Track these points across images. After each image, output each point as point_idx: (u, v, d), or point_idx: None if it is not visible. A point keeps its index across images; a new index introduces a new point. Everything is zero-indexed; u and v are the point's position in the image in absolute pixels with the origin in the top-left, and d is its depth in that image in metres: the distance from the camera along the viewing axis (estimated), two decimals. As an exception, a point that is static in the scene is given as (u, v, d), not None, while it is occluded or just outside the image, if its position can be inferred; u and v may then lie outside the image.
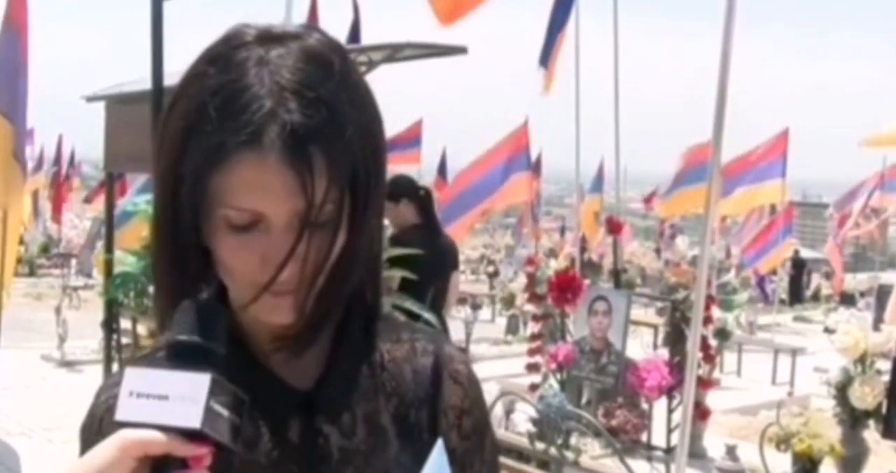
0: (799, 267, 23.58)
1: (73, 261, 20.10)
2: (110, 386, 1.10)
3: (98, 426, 1.09)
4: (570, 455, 4.37)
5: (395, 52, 5.87)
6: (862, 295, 22.44)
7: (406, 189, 6.41)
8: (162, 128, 1.05)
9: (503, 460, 5.27)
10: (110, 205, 7.59)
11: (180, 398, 0.89)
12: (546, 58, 7.96)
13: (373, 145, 1.05)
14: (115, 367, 7.18)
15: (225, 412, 0.91)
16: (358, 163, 1.02)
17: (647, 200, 23.32)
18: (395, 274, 5.28)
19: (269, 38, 1.03)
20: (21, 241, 24.55)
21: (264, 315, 1.05)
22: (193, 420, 0.88)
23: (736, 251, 19.29)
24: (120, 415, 0.90)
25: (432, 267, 6.06)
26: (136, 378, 0.91)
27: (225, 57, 1.02)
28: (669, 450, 6.10)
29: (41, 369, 10.49)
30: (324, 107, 0.99)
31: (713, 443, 6.57)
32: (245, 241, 1.00)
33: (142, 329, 7.31)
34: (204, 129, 0.98)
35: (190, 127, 1.00)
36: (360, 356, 1.16)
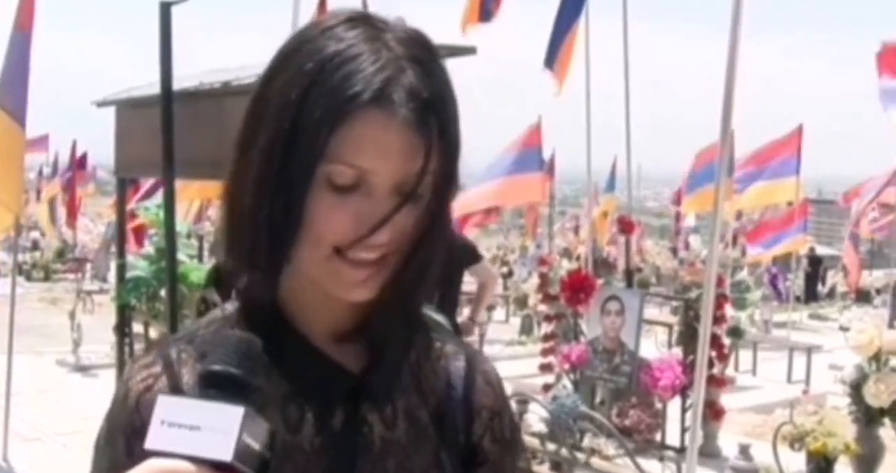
0: (815, 265, 23.49)
1: (88, 266, 20.17)
2: (147, 366, 1.10)
3: (135, 404, 1.07)
4: (581, 456, 4.35)
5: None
6: (878, 292, 22.33)
7: None
8: (257, 100, 1.06)
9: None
10: (122, 211, 7.60)
11: (212, 429, 0.88)
12: (552, 59, 7.93)
13: (460, 134, 1.07)
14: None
15: (256, 445, 0.89)
16: (460, 144, 1.06)
17: (676, 201, 23.12)
18: (491, 269, 5.22)
19: (361, 19, 1.05)
20: (36, 246, 24.70)
21: (339, 287, 1.06)
22: (224, 453, 0.87)
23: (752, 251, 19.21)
24: (150, 444, 0.89)
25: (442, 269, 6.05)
26: (169, 406, 0.90)
27: (326, 33, 1.03)
28: (683, 450, 6.08)
29: (56, 374, 10.53)
30: (436, 81, 1.03)
31: (728, 442, 6.54)
32: (344, 201, 1.01)
33: (154, 332, 7.33)
34: (325, 88, 0.99)
35: (308, 87, 1.00)
36: (402, 350, 1.17)
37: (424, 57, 1.04)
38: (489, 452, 1.20)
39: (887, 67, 5.97)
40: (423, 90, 1.01)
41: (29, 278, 19.27)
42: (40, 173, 24.09)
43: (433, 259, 1.09)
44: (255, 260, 1.07)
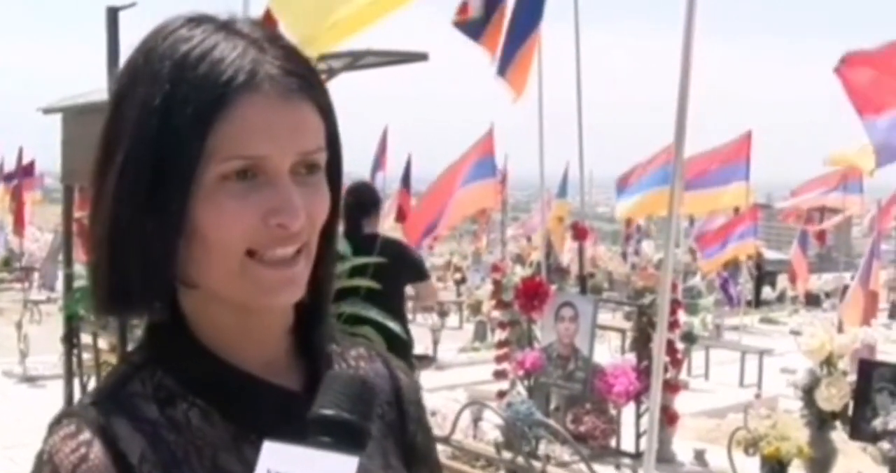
0: (762, 269, 23.72)
1: (36, 275, 19.87)
2: (72, 435, 0.96)
3: None
4: (537, 464, 4.34)
5: (356, 60, 5.81)
6: (827, 295, 22.60)
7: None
8: (111, 123, 0.98)
9: (471, 469, 5.24)
10: (68, 218, 7.47)
11: None
12: (504, 67, 7.91)
13: (336, 119, 1.03)
14: (75, 382, 7.07)
15: None
16: (336, 124, 1.02)
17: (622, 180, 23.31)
18: (433, 284, 5.17)
19: (201, 18, 1.00)
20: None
21: (263, 294, 0.97)
22: None
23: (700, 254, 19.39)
24: None
25: (395, 275, 6.00)
26: (275, 454, 0.83)
27: (170, 37, 0.97)
28: (638, 455, 6.09)
29: (2, 385, 10.35)
30: (298, 57, 0.99)
31: (682, 447, 6.57)
32: (245, 197, 0.94)
33: (103, 343, 7.20)
34: (190, 84, 0.93)
35: (169, 90, 0.93)
36: (329, 358, 1.10)
37: (278, 36, 1.00)
38: (422, 446, 1.17)
39: (859, 96, 5.77)
40: (291, 66, 0.97)
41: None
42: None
43: (334, 249, 1.05)
44: (145, 296, 0.99)
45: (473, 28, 7.75)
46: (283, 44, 0.99)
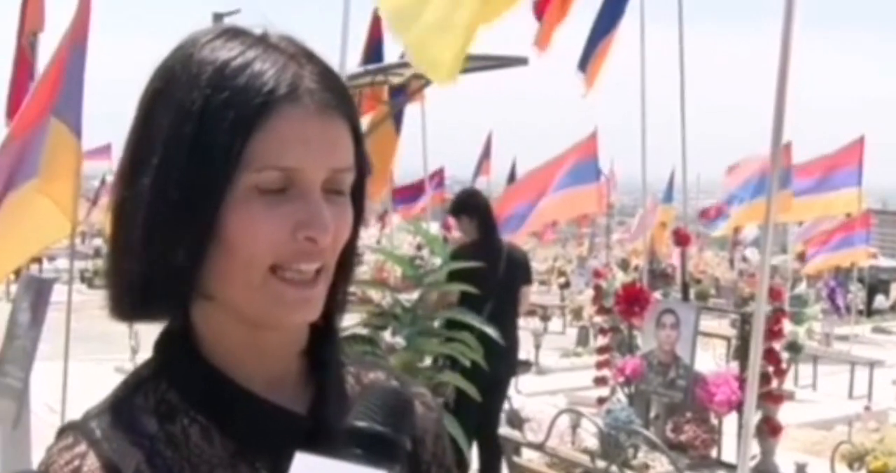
0: (877, 277, 23.04)
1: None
2: (68, 448, 0.97)
3: None
4: (630, 473, 4.30)
5: (456, 65, 5.83)
6: (945, 305, 21.86)
7: (466, 204, 6.38)
8: (141, 125, 0.98)
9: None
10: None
11: None
12: (585, 62, 7.88)
13: (364, 140, 1.03)
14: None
15: None
16: (364, 146, 1.02)
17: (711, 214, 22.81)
18: (454, 288, 5.23)
19: (236, 30, 1.00)
20: (98, 254, 25.08)
21: (282, 311, 0.97)
22: None
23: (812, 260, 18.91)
24: None
25: (493, 281, 6.02)
26: (306, 467, 0.82)
27: (208, 46, 0.97)
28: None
29: (114, 381, 10.49)
30: (334, 75, 1.00)
31: (785, 459, 6.41)
32: (276, 209, 0.93)
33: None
34: (231, 91, 0.93)
35: (209, 96, 0.93)
36: (341, 378, 1.08)
37: (314, 53, 1.00)
38: None
39: None
40: (329, 82, 0.97)
41: (91, 285, 19.51)
42: (103, 181, 24.46)
43: (352, 269, 1.04)
44: (161, 304, 0.98)
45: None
46: (320, 60, 1.00)
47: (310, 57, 0.99)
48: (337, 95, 0.97)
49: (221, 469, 0.97)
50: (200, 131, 0.93)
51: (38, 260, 17.99)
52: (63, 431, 1.00)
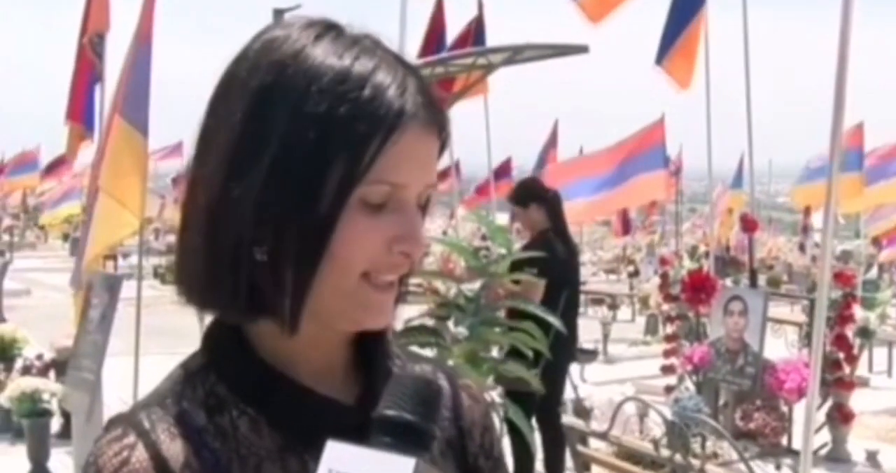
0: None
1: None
2: (117, 439, 0.97)
3: None
4: (695, 462, 4.25)
5: (515, 54, 5.83)
6: None
7: (534, 193, 6.33)
8: (257, 114, 0.94)
9: (632, 467, 5.17)
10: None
11: None
12: (663, 55, 7.76)
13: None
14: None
15: None
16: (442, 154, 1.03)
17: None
18: (533, 279, 5.19)
19: (329, 23, 0.99)
20: (171, 250, 25.43)
21: (366, 315, 0.98)
22: None
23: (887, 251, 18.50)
24: None
25: (565, 271, 5.99)
26: (337, 454, 0.83)
27: (316, 43, 0.96)
28: (814, 454, 5.89)
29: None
30: (430, 86, 0.99)
31: (858, 447, 6.32)
32: (377, 221, 0.94)
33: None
34: (354, 110, 0.92)
35: (330, 109, 0.92)
36: (388, 369, 1.07)
37: (407, 62, 0.99)
38: (482, 466, 1.13)
39: None
40: (430, 95, 0.97)
41: (164, 281, 19.81)
42: (174, 179, 24.87)
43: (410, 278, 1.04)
44: (265, 304, 0.97)
45: None
46: (415, 70, 0.99)
47: (406, 66, 0.98)
48: (437, 111, 0.98)
49: (270, 462, 0.97)
50: (326, 139, 0.92)
51: (113, 257, 18.31)
52: (112, 422, 0.99)
